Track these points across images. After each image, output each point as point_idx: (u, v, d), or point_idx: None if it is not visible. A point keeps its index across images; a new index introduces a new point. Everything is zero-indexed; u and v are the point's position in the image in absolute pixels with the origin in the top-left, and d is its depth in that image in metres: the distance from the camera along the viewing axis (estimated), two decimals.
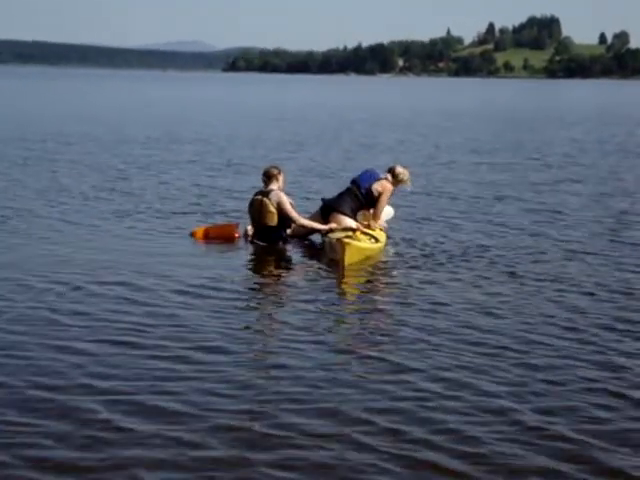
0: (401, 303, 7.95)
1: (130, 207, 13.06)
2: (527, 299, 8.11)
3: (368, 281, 9.02)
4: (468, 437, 5.09)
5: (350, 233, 10.10)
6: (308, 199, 13.18)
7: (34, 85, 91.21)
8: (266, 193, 10.67)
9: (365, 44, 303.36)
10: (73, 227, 11.51)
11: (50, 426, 5.21)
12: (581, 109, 55.29)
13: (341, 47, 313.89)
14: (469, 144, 25.95)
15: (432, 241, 10.70)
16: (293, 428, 5.19)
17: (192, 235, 10.86)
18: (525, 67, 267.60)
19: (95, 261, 9.42)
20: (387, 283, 8.89)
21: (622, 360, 6.43)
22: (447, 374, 6.07)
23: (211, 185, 15.66)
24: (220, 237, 10.77)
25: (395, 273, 9.22)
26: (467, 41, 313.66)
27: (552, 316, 7.53)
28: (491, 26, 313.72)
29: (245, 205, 11.13)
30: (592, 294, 8.30)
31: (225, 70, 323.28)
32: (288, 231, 10.78)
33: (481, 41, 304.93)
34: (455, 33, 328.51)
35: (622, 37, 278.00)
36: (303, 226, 10.79)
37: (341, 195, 11.09)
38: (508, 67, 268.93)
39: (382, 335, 7.01)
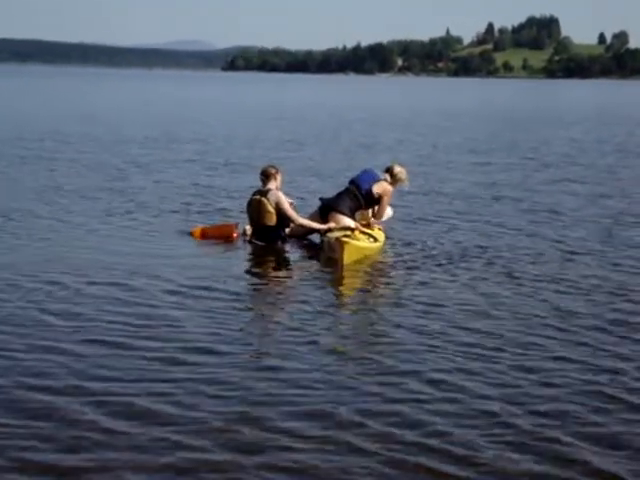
0: (399, 304, 7.92)
1: (128, 206, 13.04)
2: (524, 300, 8.08)
3: (366, 281, 9.00)
4: (462, 440, 5.05)
5: (349, 232, 10.10)
6: (304, 199, 13.15)
7: (33, 84, 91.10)
8: (264, 193, 10.66)
9: (364, 43, 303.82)
10: (70, 226, 11.49)
11: (37, 427, 5.17)
12: (580, 109, 55.30)
13: (340, 46, 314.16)
14: (468, 144, 25.94)
15: (431, 241, 10.69)
16: (286, 431, 5.15)
17: (190, 235, 10.86)
18: (524, 67, 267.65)
19: (90, 261, 9.38)
20: (385, 283, 8.87)
21: (618, 363, 6.38)
22: (442, 376, 6.03)
23: (209, 184, 15.65)
24: (218, 237, 10.76)
25: (393, 273, 9.20)
26: (466, 41, 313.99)
27: (548, 318, 7.50)
28: (490, 26, 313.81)
29: (243, 204, 11.13)
30: (589, 295, 8.27)
31: (224, 69, 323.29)
32: (287, 230, 10.78)
33: (480, 41, 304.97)
34: (454, 33, 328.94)
35: (621, 37, 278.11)
36: (302, 226, 10.79)
37: (340, 195, 11.08)
38: (507, 67, 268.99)
39: (378, 336, 6.98)
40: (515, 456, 4.87)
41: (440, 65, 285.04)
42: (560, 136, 29.70)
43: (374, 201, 11.04)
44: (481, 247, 10.38)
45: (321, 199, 11.26)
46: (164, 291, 8.22)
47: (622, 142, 27.63)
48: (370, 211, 11.12)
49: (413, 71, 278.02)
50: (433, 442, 5.01)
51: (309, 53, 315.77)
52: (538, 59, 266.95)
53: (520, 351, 6.61)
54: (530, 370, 6.19)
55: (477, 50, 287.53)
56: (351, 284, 8.96)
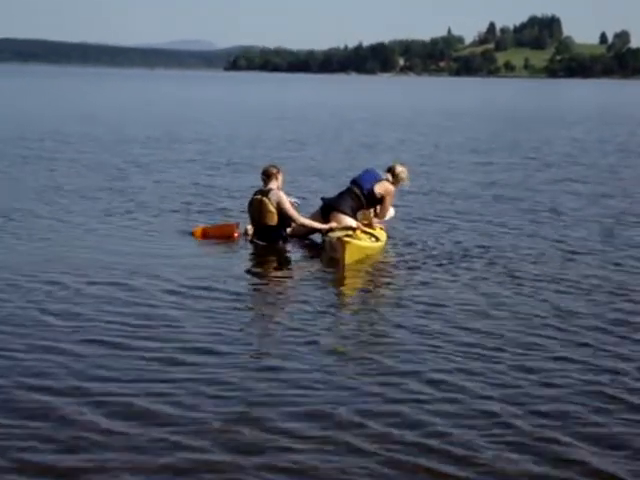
0: (400, 304, 7.90)
1: (129, 206, 13.03)
2: (525, 300, 8.06)
3: (367, 281, 8.99)
4: (462, 441, 5.03)
5: (350, 232, 10.09)
6: (306, 199, 13.13)
7: (35, 84, 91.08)
8: (265, 192, 10.66)
9: (366, 43, 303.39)
10: (70, 226, 11.48)
11: (36, 427, 5.15)
12: (582, 109, 55.26)
13: (342, 46, 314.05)
14: (469, 144, 25.93)
15: (432, 241, 10.68)
16: (286, 431, 5.13)
17: (192, 234, 10.86)
18: (526, 67, 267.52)
19: (91, 260, 9.36)
20: (386, 283, 8.85)
21: (619, 363, 6.35)
22: (442, 377, 6.01)
23: (211, 184, 15.64)
24: (220, 236, 10.76)
25: (394, 273, 9.18)
26: (468, 40, 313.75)
27: (549, 318, 7.47)
28: (492, 25, 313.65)
29: (245, 204, 11.12)
30: (590, 295, 8.24)
31: (226, 69, 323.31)
32: (288, 230, 10.78)
33: (482, 40, 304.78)
34: (456, 32, 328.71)
35: (623, 37, 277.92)
36: (303, 225, 10.78)
37: (341, 194, 11.07)
38: (509, 67, 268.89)
39: (379, 336, 6.97)
40: (514, 456, 4.86)
41: (442, 65, 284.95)
42: (562, 136, 29.68)
43: (376, 201, 11.03)
44: (482, 247, 10.36)
45: (323, 199, 11.25)
46: (164, 291, 8.21)
47: (624, 142, 27.60)
48: (371, 211, 11.11)
49: (415, 71, 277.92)
50: (432, 442, 5.00)
51: (311, 53, 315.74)
52: (540, 59, 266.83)
53: (520, 351, 6.59)
54: (530, 370, 6.17)
55: (479, 50, 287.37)
56: (352, 284, 8.95)
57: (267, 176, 10.81)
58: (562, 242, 10.76)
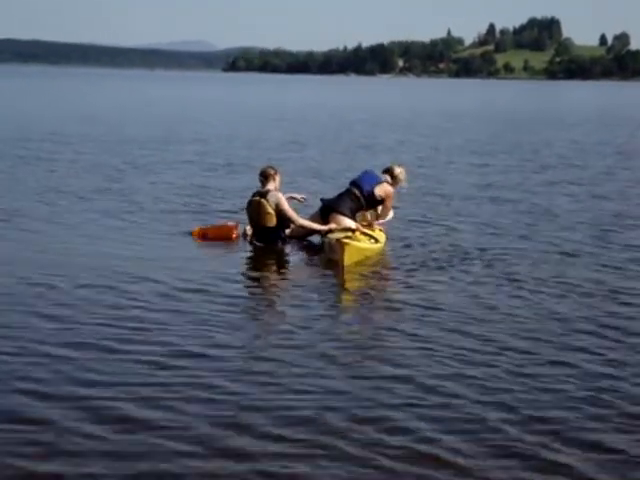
0: (398, 307, 7.84)
1: (128, 207, 13.01)
2: (521, 304, 8.00)
3: (366, 283, 8.94)
4: (454, 447, 4.99)
5: (349, 233, 10.09)
6: (305, 199, 13.13)
7: (35, 84, 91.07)
8: (264, 194, 10.65)
9: (365, 44, 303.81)
10: (67, 227, 11.45)
11: (20, 431, 5.10)
12: (581, 111, 55.26)
13: (341, 47, 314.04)
14: (468, 145, 25.93)
15: (430, 243, 10.67)
16: (277, 436, 5.07)
17: (190, 235, 10.86)
18: (525, 68, 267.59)
19: (86, 262, 9.30)
20: (385, 286, 8.84)
21: (614, 369, 6.30)
22: (437, 382, 5.94)
23: (210, 185, 15.63)
24: (218, 237, 10.75)
25: (393, 276, 9.15)
26: (467, 42, 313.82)
27: (545, 322, 7.42)
28: (492, 27, 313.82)
29: (244, 205, 11.12)
30: (587, 299, 8.19)
31: (225, 70, 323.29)
32: (287, 231, 10.77)
33: (481, 42, 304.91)
34: (455, 34, 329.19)
35: (622, 38, 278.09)
36: (302, 226, 10.77)
37: (341, 196, 11.07)
38: (508, 68, 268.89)
39: (375, 340, 6.91)
40: (506, 463, 4.80)
41: (441, 66, 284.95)
42: (560, 138, 29.67)
43: (375, 203, 11.04)
44: (480, 249, 10.33)
45: (322, 200, 11.25)
46: (159, 293, 8.15)
47: (622, 144, 27.61)
48: (370, 212, 11.12)
49: (414, 72, 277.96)
50: (423, 448, 4.94)
51: (310, 54, 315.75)
52: (539, 60, 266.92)
53: (515, 355, 6.52)
54: (524, 375, 6.10)
55: (478, 51, 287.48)
56: (351, 286, 8.91)
57: (265, 177, 10.81)
58: (560, 244, 10.72)
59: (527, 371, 6.20)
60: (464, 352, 6.59)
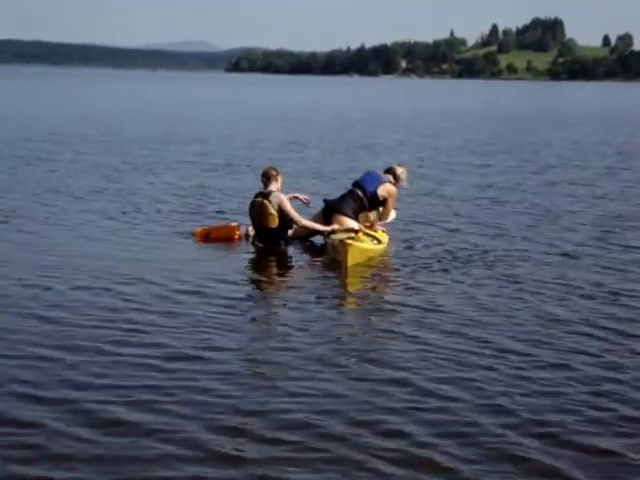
0: (398, 310, 7.78)
1: (126, 208, 12.96)
2: (523, 306, 7.95)
3: (367, 285, 8.92)
4: (449, 451, 4.96)
5: (352, 234, 10.07)
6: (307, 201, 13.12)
7: (36, 85, 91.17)
8: (266, 195, 10.64)
9: (368, 45, 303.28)
10: (68, 228, 11.41)
11: (7, 434, 5.05)
12: (584, 111, 55.24)
13: (344, 48, 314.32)
14: (471, 146, 25.92)
15: (432, 244, 10.64)
16: (273, 440, 5.03)
17: (193, 236, 10.85)
18: (528, 69, 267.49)
19: (85, 262, 9.26)
20: (387, 287, 8.81)
21: (614, 373, 6.25)
22: (435, 385, 5.88)
23: (212, 186, 15.63)
24: (221, 238, 10.75)
25: (395, 277, 9.10)
26: (470, 43, 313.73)
27: (546, 325, 7.36)
28: (495, 28, 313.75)
29: (246, 206, 11.12)
30: (592, 300, 8.16)
31: (228, 70, 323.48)
32: (289, 232, 10.76)
33: (485, 43, 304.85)
34: (458, 35, 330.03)
35: (626, 39, 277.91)
36: (305, 227, 10.76)
37: (343, 197, 11.08)
38: (511, 69, 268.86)
39: (375, 343, 6.86)
40: (504, 468, 4.77)
41: (444, 67, 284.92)
42: (563, 138, 29.64)
43: (378, 203, 11.04)
44: (482, 251, 10.29)
45: (325, 201, 11.25)
46: (159, 294, 8.11)
47: (625, 144, 27.59)
48: (373, 213, 11.11)
49: (417, 73, 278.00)
50: (421, 452, 4.90)
51: (313, 55, 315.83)
52: (542, 61, 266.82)
53: (516, 359, 6.46)
54: (524, 379, 6.03)
55: (481, 52, 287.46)
56: (352, 288, 8.88)
57: (267, 178, 10.80)
58: (561, 246, 10.64)
59: (526, 374, 6.15)
60: (463, 355, 6.54)
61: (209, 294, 8.15)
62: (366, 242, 10.04)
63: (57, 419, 5.26)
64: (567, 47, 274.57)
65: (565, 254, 10.21)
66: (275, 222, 10.55)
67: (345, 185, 11.53)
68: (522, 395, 5.75)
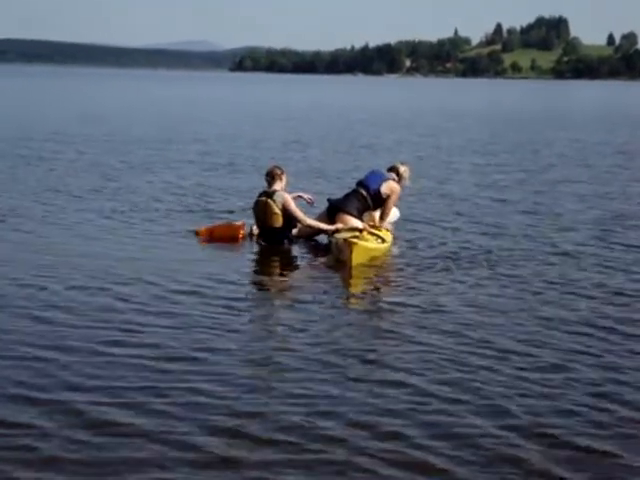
0: (400, 311, 7.73)
1: (133, 207, 12.96)
2: (525, 307, 7.93)
3: (370, 285, 8.90)
4: (466, 441, 5.00)
5: (357, 233, 10.10)
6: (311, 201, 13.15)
7: (39, 84, 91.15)
8: (270, 194, 10.67)
9: (372, 44, 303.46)
10: (66, 227, 11.40)
11: (3, 435, 5.03)
12: (588, 110, 55.18)
13: (348, 47, 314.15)
14: (474, 145, 25.91)
15: (435, 243, 10.61)
16: (271, 442, 5.00)
17: (196, 234, 10.88)
18: (533, 68, 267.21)
19: (82, 262, 9.23)
20: (388, 288, 8.78)
21: (617, 374, 6.23)
22: (435, 387, 5.84)
23: (216, 184, 15.60)
24: (225, 237, 10.76)
25: (398, 277, 9.07)
26: (475, 41, 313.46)
27: (549, 325, 7.34)
28: (499, 26, 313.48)
29: (250, 205, 11.15)
30: (594, 300, 8.13)
31: (232, 70, 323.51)
32: (294, 231, 10.80)
33: (489, 42, 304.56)
34: (463, 34, 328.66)
35: (630, 38, 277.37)
36: (309, 226, 10.78)
37: (347, 196, 11.11)
38: (516, 68, 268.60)
39: (375, 343, 6.82)
40: (504, 470, 4.74)
41: (448, 66, 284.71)
42: (565, 137, 29.61)
43: (382, 201, 11.06)
44: (485, 250, 10.25)
45: (329, 200, 11.29)
46: (171, 291, 8.14)
47: (628, 143, 27.58)
48: (377, 212, 11.14)
49: (421, 72, 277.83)
50: (419, 455, 4.85)
51: (317, 54, 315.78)
52: (547, 60, 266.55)
53: (517, 359, 6.44)
54: (525, 380, 6.00)
55: (485, 51, 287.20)
56: (354, 288, 8.87)
57: (271, 177, 10.83)
58: (564, 246, 10.60)
59: (526, 375, 6.10)
60: (463, 356, 6.49)
61: (208, 294, 8.11)
62: (370, 241, 10.05)
63: (49, 420, 5.22)
64: (571, 46, 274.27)
65: (567, 254, 10.19)
66: (279, 221, 10.58)
67: (349, 184, 11.57)
68: (522, 396, 5.71)
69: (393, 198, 11.09)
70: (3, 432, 5.06)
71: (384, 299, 8.29)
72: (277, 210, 10.53)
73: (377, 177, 11.18)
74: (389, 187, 11.05)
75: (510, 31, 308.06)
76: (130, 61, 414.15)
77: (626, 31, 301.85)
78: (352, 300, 8.38)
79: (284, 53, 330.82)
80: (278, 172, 10.83)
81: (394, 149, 23.97)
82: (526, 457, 4.88)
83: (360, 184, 11.16)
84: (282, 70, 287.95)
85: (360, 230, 10.29)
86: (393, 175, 11.28)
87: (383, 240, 10.31)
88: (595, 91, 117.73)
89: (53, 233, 11.03)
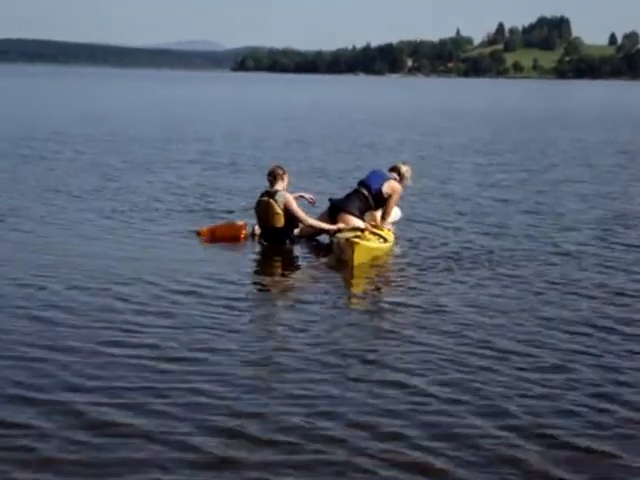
0: (400, 311, 7.72)
1: (134, 207, 12.95)
2: (527, 304, 7.94)
3: (371, 285, 8.90)
4: (466, 441, 4.98)
5: (359, 233, 10.11)
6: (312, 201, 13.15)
7: (41, 84, 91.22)
8: (272, 194, 10.67)
9: (374, 44, 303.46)
10: (65, 227, 11.39)
11: (37, 425, 5.08)
12: (590, 110, 55.15)
13: (350, 47, 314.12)
14: (476, 145, 25.91)
15: (437, 243, 10.61)
16: (288, 430, 5.05)
17: (198, 234, 10.87)
18: (535, 67, 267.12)
19: (82, 262, 9.22)
20: (390, 288, 8.77)
21: (621, 364, 6.28)
22: (437, 387, 5.84)
23: (217, 184, 15.60)
24: (227, 236, 10.76)
25: (399, 277, 9.06)
26: (477, 41, 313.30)
27: (550, 325, 7.32)
28: (501, 26, 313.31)
29: (251, 204, 11.15)
30: (596, 300, 8.12)
31: (234, 69, 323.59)
32: (295, 231, 10.80)
33: (491, 41, 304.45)
34: (464, 33, 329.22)
35: (632, 38, 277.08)
36: (311, 226, 10.79)
37: (349, 196, 11.12)
38: (518, 67, 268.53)
39: (375, 344, 6.80)
40: (503, 471, 4.72)
41: (450, 66, 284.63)
42: (567, 137, 29.62)
43: (384, 201, 11.06)
44: (487, 250, 10.24)
45: (330, 200, 11.30)
46: (173, 291, 8.14)
47: (630, 142, 27.58)
48: (379, 212, 11.14)
49: (423, 72, 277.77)
50: (418, 456, 4.83)
51: (319, 53, 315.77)
52: (549, 59, 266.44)
53: (517, 359, 6.42)
54: (525, 381, 5.99)
55: (487, 50, 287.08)
56: (356, 288, 8.87)
57: (273, 177, 10.83)
58: (566, 246, 10.60)
59: (526, 376, 6.08)
60: (463, 356, 6.47)
61: (209, 294, 8.09)
62: (372, 241, 10.05)
63: (48, 420, 5.20)
64: (573, 45, 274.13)
65: (569, 254, 10.18)
66: (281, 221, 10.58)
67: (350, 184, 11.56)
68: (522, 397, 5.70)
69: (394, 198, 11.09)
70: (1, 433, 5.05)
71: (385, 299, 8.27)
72: (279, 210, 10.53)
73: (378, 177, 11.18)
74: (390, 187, 11.05)
75: (512, 31, 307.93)
76: (132, 61, 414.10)
77: (628, 31, 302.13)
78: (353, 300, 8.37)
79: (286, 53, 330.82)
80: (280, 172, 10.84)
81: (396, 149, 23.96)
82: (526, 458, 4.87)
83: (361, 184, 11.16)
84: (284, 70, 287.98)
85: (362, 230, 10.30)
86: (394, 175, 11.28)
87: (385, 240, 10.31)
88: (597, 91, 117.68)
89: (52, 233, 11.02)
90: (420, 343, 6.80)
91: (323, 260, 9.94)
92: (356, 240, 9.55)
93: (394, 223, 11.29)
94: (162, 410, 5.38)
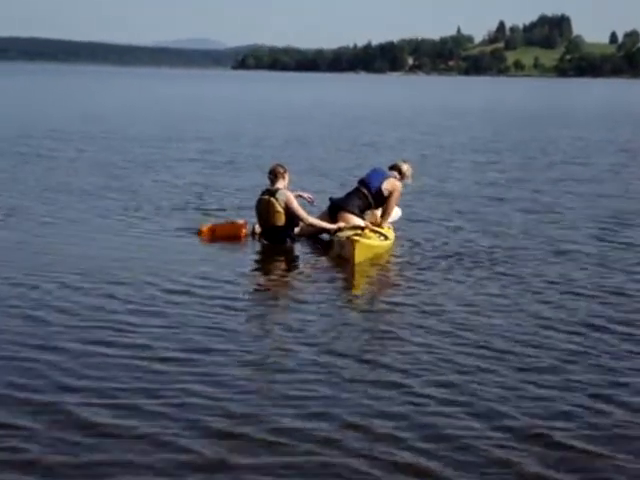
0: (401, 310, 7.71)
1: (135, 205, 12.95)
2: (525, 307, 7.88)
3: (374, 283, 8.92)
4: (462, 443, 4.96)
5: (359, 231, 10.12)
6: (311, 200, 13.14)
7: (41, 82, 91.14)
8: (273, 192, 10.68)
9: (375, 42, 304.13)
10: (64, 226, 11.37)
11: (26, 426, 5.04)
12: (590, 108, 55.13)
13: (351, 45, 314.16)
14: (477, 143, 25.91)
15: (437, 242, 10.61)
16: (282, 431, 5.03)
17: (199, 233, 10.86)
18: (535, 66, 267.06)
19: (78, 261, 9.18)
20: (392, 286, 8.75)
21: (618, 365, 6.26)
22: (433, 388, 5.80)
23: (218, 183, 15.59)
24: (227, 235, 10.77)
25: (399, 277, 9.03)
26: (477, 40, 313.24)
27: (550, 326, 7.28)
28: (502, 24, 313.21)
29: (252, 203, 11.16)
30: (596, 300, 8.09)
31: (234, 68, 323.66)
32: (296, 230, 10.80)
33: (492, 40, 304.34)
34: (465, 31, 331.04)
35: (633, 36, 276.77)
36: (312, 225, 10.79)
37: (349, 195, 11.13)
38: (518, 66, 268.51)
39: (373, 344, 6.76)
40: (499, 472, 4.70)
41: (451, 64, 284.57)
42: (567, 135, 29.59)
43: (384, 199, 11.06)
44: (487, 249, 10.25)
45: (330, 199, 11.30)
46: (173, 290, 8.13)
47: (630, 141, 27.57)
48: (380, 210, 11.14)
49: (424, 70, 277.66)
50: (413, 458, 4.80)
51: (320, 52, 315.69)
52: (549, 58, 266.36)
53: (515, 360, 6.39)
54: (521, 382, 5.94)
55: (488, 49, 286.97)
56: (356, 288, 8.85)
57: (274, 175, 10.83)
58: (566, 245, 10.58)
59: (522, 377, 6.05)
60: (460, 357, 6.43)
61: (204, 294, 8.06)
62: (373, 238, 10.06)
63: (37, 421, 5.16)
64: (574, 44, 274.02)
65: (568, 253, 10.16)
66: (282, 220, 10.59)
67: (351, 183, 11.56)
68: (518, 398, 5.67)
69: (395, 196, 11.09)
70: None
71: (383, 299, 8.23)
72: (280, 209, 10.53)
73: (378, 175, 11.18)
74: (391, 184, 11.06)
75: (513, 29, 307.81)
76: (132, 59, 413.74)
77: (629, 29, 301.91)
78: (353, 300, 8.33)
79: (287, 51, 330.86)
80: (281, 170, 10.84)
81: (396, 147, 23.96)
82: (522, 459, 4.84)
83: (362, 182, 11.16)
84: (285, 68, 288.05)
85: (362, 228, 10.31)
86: (395, 173, 11.28)
87: (386, 237, 10.32)
88: (598, 89, 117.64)
89: (51, 232, 10.99)
90: (416, 343, 6.77)
91: (323, 259, 9.93)
92: (357, 238, 9.57)
93: (393, 223, 11.27)
94: (154, 411, 5.35)
